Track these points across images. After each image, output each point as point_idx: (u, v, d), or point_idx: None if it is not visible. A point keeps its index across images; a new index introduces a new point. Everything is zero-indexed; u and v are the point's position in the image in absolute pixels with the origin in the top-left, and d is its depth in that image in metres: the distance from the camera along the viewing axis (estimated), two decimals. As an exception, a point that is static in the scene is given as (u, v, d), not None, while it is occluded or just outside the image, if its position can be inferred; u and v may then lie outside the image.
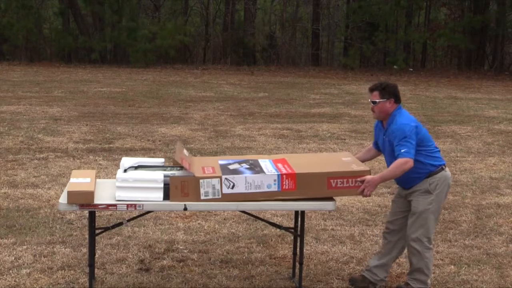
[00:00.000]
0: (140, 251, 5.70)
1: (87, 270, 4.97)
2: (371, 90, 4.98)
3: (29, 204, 6.96)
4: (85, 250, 5.56)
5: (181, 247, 5.83)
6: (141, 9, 29.28)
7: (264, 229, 6.32)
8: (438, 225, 6.68)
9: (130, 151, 9.78)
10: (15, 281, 5.00)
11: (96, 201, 4.41)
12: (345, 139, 11.36)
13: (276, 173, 4.54)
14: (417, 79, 24.05)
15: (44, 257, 5.49)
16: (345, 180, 4.60)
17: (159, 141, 10.68)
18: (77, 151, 9.70)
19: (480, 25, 27.18)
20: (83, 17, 27.63)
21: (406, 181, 4.87)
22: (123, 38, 25.82)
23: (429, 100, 17.50)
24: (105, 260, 5.46)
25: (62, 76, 21.07)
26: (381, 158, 5.23)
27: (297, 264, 4.90)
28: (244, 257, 5.64)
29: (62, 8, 27.63)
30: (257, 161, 4.83)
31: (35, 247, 5.71)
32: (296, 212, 5.12)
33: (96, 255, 5.32)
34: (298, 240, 4.92)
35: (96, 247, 5.35)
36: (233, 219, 6.63)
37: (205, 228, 6.37)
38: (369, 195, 4.69)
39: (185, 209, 4.47)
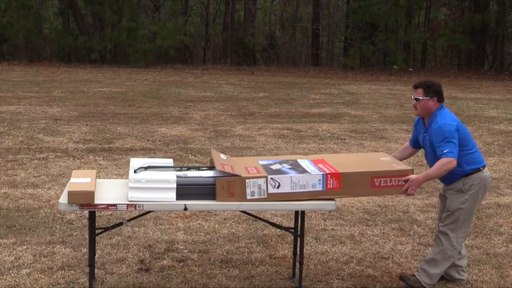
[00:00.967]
0: (140, 251, 5.70)
1: (87, 270, 4.98)
2: (416, 87, 5.02)
3: (29, 204, 6.96)
4: (85, 250, 5.56)
5: (181, 247, 5.83)
6: (141, 9, 29.28)
7: (264, 229, 6.32)
8: (438, 225, 6.70)
9: (130, 151, 9.78)
10: (15, 281, 5.00)
11: (96, 201, 4.41)
12: (345, 139, 11.36)
13: (321, 173, 4.58)
14: (417, 79, 23.97)
15: (44, 257, 5.49)
16: (388, 179, 4.66)
17: (159, 141, 10.68)
18: (77, 151, 9.70)
19: (480, 25, 27.19)
20: (83, 17, 27.63)
21: (444, 178, 4.96)
22: (123, 38, 25.82)
23: (429, 100, 17.48)
24: (105, 260, 5.46)
25: (62, 76, 21.07)
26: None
27: (297, 264, 4.90)
28: (244, 257, 5.64)
29: (62, 8, 27.63)
30: (296, 161, 4.87)
31: (35, 247, 5.71)
32: (296, 212, 5.12)
33: (96, 255, 5.32)
34: (298, 240, 4.92)
35: (96, 247, 5.35)
36: (233, 219, 6.63)
37: (205, 228, 6.38)
38: (413, 194, 4.75)
39: (185, 209, 4.47)
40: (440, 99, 4.95)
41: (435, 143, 4.80)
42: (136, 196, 4.42)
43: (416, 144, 5.21)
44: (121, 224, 4.99)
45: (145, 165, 4.76)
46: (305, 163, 4.81)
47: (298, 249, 4.94)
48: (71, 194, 4.34)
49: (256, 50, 29.13)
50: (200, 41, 29.45)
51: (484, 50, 28.98)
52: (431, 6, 30.13)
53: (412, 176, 4.68)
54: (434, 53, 31.93)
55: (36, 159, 9.10)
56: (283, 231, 5.65)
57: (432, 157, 4.91)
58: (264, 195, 4.50)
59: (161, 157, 9.03)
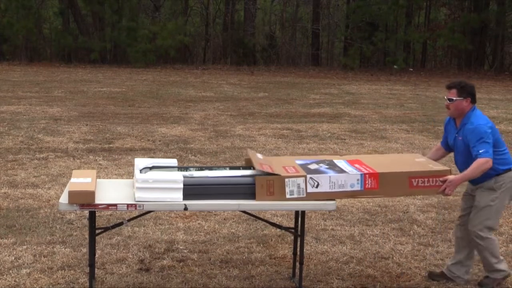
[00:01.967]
0: (140, 251, 5.70)
1: (87, 270, 4.97)
2: (449, 87, 5.05)
3: (29, 204, 6.96)
4: (85, 250, 5.56)
5: (181, 247, 5.83)
6: (141, 9, 29.29)
7: (264, 229, 6.31)
8: (438, 225, 6.69)
9: (130, 151, 9.78)
10: (15, 281, 5.00)
11: (96, 201, 4.41)
12: (345, 139, 11.36)
13: (359, 173, 4.60)
14: (417, 79, 24.06)
15: (44, 257, 5.49)
16: (426, 179, 4.69)
17: (159, 141, 10.69)
18: (77, 151, 9.70)
19: (480, 25, 27.19)
20: (83, 17, 27.65)
21: (475, 178, 4.98)
22: (123, 38, 25.84)
23: (429, 100, 17.51)
24: (105, 260, 5.46)
25: (62, 76, 21.07)
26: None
27: (297, 264, 4.90)
28: (244, 257, 5.64)
29: (62, 8, 27.65)
30: (333, 161, 4.89)
31: (35, 247, 5.71)
32: (296, 212, 5.12)
33: (96, 255, 5.32)
34: (298, 240, 4.92)
35: (96, 247, 5.34)
36: (233, 219, 6.63)
37: (205, 228, 6.37)
38: (450, 195, 4.78)
39: (185, 209, 4.47)
40: (473, 100, 4.99)
41: (471, 144, 4.84)
42: (144, 196, 4.42)
43: (447, 145, 5.23)
44: (121, 224, 4.99)
45: (150, 165, 4.77)
46: (341, 163, 4.83)
47: (298, 249, 4.94)
48: (71, 194, 4.34)
49: (256, 50, 29.14)
50: (200, 41, 29.46)
51: (484, 50, 28.99)
52: (431, 6, 30.13)
53: (450, 177, 4.72)
54: (434, 53, 31.93)
55: (36, 159, 9.10)
56: (283, 231, 5.65)
57: (463, 157, 4.97)
58: (303, 194, 4.53)
59: (161, 157, 9.04)
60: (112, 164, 8.90)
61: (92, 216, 4.66)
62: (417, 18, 30.92)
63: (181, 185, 4.45)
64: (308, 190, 4.53)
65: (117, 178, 7.99)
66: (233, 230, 6.33)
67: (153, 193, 4.43)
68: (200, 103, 15.50)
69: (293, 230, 5.19)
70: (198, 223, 6.49)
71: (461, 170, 4.97)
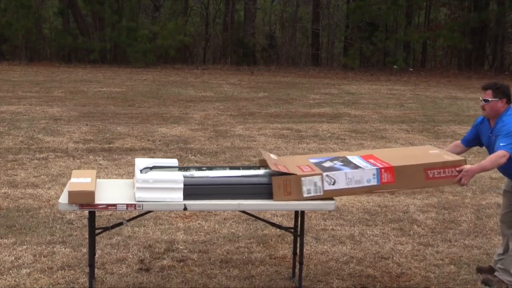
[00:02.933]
0: (140, 251, 5.70)
1: (87, 270, 4.97)
2: (485, 88, 5.07)
3: (29, 204, 6.96)
4: (85, 250, 5.56)
5: (181, 247, 5.83)
6: (141, 9, 29.28)
7: (264, 229, 6.31)
8: (438, 225, 6.69)
9: (130, 151, 9.78)
10: (15, 281, 5.00)
11: (96, 201, 4.41)
12: (345, 139, 11.36)
13: (374, 168, 4.59)
14: (417, 79, 24.05)
15: (44, 257, 5.49)
16: (442, 170, 4.67)
17: (159, 141, 10.69)
18: (77, 151, 9.70)
19: (480, 25, 27.18)
20: (83, 17, 27.64)
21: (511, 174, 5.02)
22: (123, 38, 25.82)
23: (429, 100, 17.51)
24: (105, 260, 5.46)
25: (62, 76, 21.07)
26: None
27: (297, 264, 4.89)
28: (244, 257, 5.64)
29: (62, 8, 27.63)
30: (346, 158, 4.88)
31: (35, 247, 5.71)
32: (296, 212, 5.12)
33: (96, 255, 5.32)
34: (298, 240, 4.92)
35: (96, 247, 5.35)
36: (233, 219, 6.63)
37: (205, 228, 6.37)
38: (466, 184, 4.78)
39: (185, 209, 4.47)
40: (509, 101, 5.01)
41: (498, 137, 4.86)
42: (144, 196, 4.42)
43: (469, 143, 5.25)
44: (121, 224, 4.98)
45: (150, 165, 4.77)
46: (355, 159, 4.83)
47: (298, 249, 4.94)
48: (71, 194, 4.34)
49: (256, 50, 29.13)
50: (200, 41, 29.46)
51: (484, 50, 28.98)
52: (431, 6, 30.13)
53: (467, 166, 4.70)
54: (434, 53, 31.93)
55: (36, 159, 9.10)
56: (283, 231, 5.64)
57: None
58: (320, 192, 4.52)
59: (161, 157, 9.04)
60: (112, 164, 8.90)
61: (91, 216, 4.66)
62: (417, 18, 30.92)
63: (182, 185, 4.45)
64: (325, 188, 4.52)
65: (117, 178, 7.99)
66: (233, 230, 6.33)
67: (153, 193, 4.43)
68: (200, 103, 15.50)
69: (293, 230, 5.19)
70: (198, 223, 6.49)
71: (498, 170, 4.99)
